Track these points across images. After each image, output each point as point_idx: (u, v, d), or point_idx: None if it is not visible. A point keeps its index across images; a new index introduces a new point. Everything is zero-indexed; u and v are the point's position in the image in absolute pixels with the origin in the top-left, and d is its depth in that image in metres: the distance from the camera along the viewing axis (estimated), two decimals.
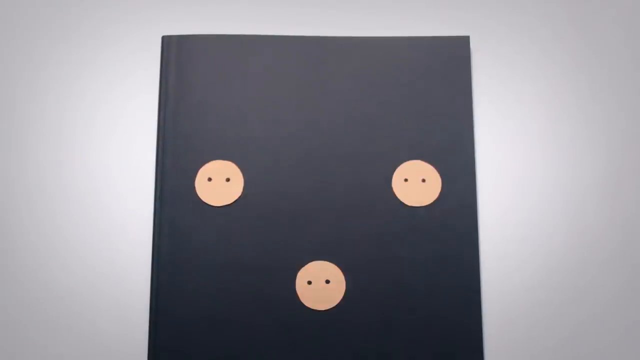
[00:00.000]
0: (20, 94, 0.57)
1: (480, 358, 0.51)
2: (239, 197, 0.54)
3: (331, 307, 0.52)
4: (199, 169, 0.54)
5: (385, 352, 0.52)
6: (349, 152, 0.55)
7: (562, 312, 0.53)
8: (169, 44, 0.56)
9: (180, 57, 0.56)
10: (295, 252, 0.53)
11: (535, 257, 0.54)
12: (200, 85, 0.56)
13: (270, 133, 0.55)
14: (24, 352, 0.53)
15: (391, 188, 0.54)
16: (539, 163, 0.56)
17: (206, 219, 0.54)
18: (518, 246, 0.54)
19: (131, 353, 0.53)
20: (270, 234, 0.53)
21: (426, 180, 0.54)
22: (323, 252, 0.53)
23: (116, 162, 0.56)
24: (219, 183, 0.54)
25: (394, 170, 0.54)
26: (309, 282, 0.53)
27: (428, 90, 0.56)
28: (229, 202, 0.54)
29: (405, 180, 0.54)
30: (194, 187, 0.54)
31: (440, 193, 0.54)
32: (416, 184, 0.54)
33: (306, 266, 0.53)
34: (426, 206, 0.54)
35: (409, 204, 0.54)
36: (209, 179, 0.54)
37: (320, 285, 0.53)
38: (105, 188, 0.55)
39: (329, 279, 0.53)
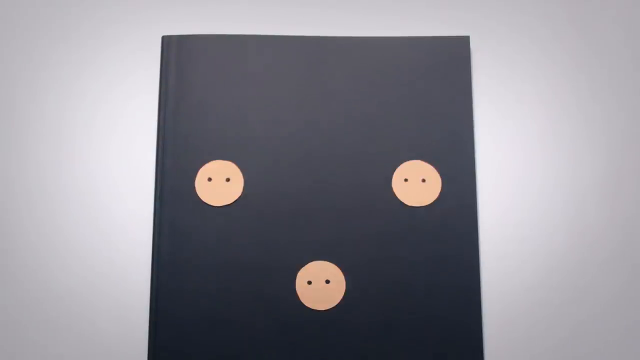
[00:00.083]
0: (20, 94, 0.57)
1: (480, 358, 0.51)
2: (239, 197, 0.54)
3: (331, 307, 0.52)
4: (199, 169, 0.54)
5: (385, 352, 0.52)
6: (349, 152, 0.55)
7: (562, 312, 0.53)
8: (169, 44, 0.56)
9: (180, 57, 0.56)
10: (295, 252, 0.53)
11: (535, 257, 0.54)
12: (200, 85, 0.56)
13: (270, 133, 0.55)
14: (24, 352, 0.53)
15: (391, 188, 0.54)
16: (539, 163, 0.56)
17: (206, 219, 0.54)
18: (518, 246, 0.54)
19: (131, 353, 0.53)
20: (270, 234, 0.53)
21: (426, 180, 0.54)
22: (323, 252, 0.53)
23: (116, 162, 0.56)
24: (219, 183, 0.54)
25: (394, 170, 0.54)
26: (309, 282, 0.53)
27: (428, 90, 0.56)
28: (229, 202, 0.54)
29: (405, 180, 0.54)
30: (194, 187, 0.54)
31: (440, 193, 0.54)
32: (416, 184, 0.54)
33: (306, 266, 0.53)
34: (426, 206, 0.54)
35: (409, 204, 0.54)
36: (209, 179, 0.54)
37: (320, 285, 0.53)
38: (105, 188, 0.55)
39: (329, 279, 0.53)
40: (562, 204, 0.55)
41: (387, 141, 0.55)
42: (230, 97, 0.55)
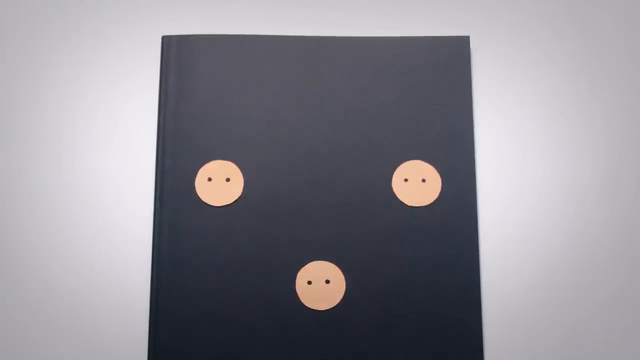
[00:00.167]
0: (20, 94, 0.57)
1: (480, 358, 0.51)
2: (239, 197, 0.54)
3: (331, 307, 0.52)
4: (199, 169, 0.54)
5: (385, 351, 0.52)
6: (349, 152, 0.55)
7: (562, 312, 0.53)
8: (169, 44, 0.56)
9: (180, 57, 0.56)
10: (295, 252, 0.53)
11: (535, 257, 0.54)
12: (200, 85, 0.56)
13: (270, 133, 0.55)
14: (24, 352, 0.53)
15: (391, 188, 0.54)
16: (539, 163, 0.56)
17: (206, 219, 0.54)
18: (518, 246, 0.54)
19: (131, 353, 0.53)
20: (270, 233, 0.53)
21: (426, 180, 0.54)
22: (323, 252, 0.53)
23: (116, 162, 0.56)
24: (219, 183, 0.54)
25: (394, 170, 0.54)
26: (309, 282, 0.53)
27: (428, 90, 0.56)
28: (229, 202, 0.54)
29: (405, 180, 0.54)
30: (194, 187, 0.54)
31: (440, 193, 0.54)
32: (416, 184, 0.54)
33: (306, 266, 0.53)
34: (426, 206, 0.54)
35: (409, 204, 0.54)
36: (209, 179, 0.54)
37: (320, 285, 0.53)
38: (105, 188, 0.55)
39: (329, 279, 0.53)
40: (562, 204, 0.55)
41: (387, 141, 0.55)
42: (230, 97, 0.55)
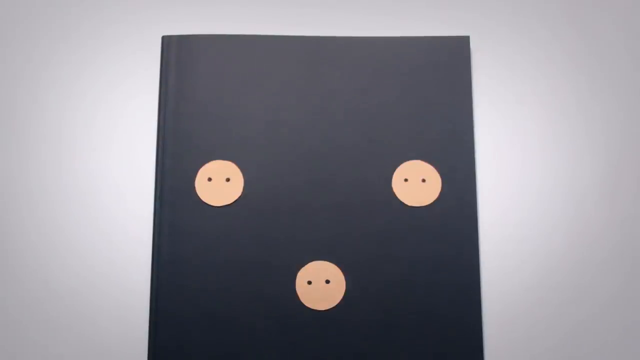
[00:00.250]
0: (20, 94, 0.57)
1: (480, 358, 0.51)
2: (239, 197, 0.54)
3: (331, 307, 0.52)
4: (199, 169, 0.54)
5: (385, 351, 0.52)
6: (349, 152, 0.55)
7: (562, 312, 0.53)
8: (169, 44, 0.56)
9: (180, 57, 0.56)
10: (295, 252, 0.53)
11: (535, 257, 0.54)
12: (200, 85, 0.56)
13: (270, 133, 0.55)
14: (24, 352, 0.53)
15: (391, 188, 0.54)
16: (539, 163, 0.56)
17: (206, 219, 0.54)
18: (518, 246, 0.54)
19: (131, 353, 0.53)
20: (270, 233, 0.53)
21: (426, 180, 0.54)
22: (323, 252, 0.53)
23: (116, 162, 0.56)
24: (219, 183, 0.54)
25: (394, 170, 0.54)
26: (309, 282, 0.53)
27: (428, 90, 0.56)
28: (229, 202, 0.54)
29: (405, 180, 0.54)
30: (194, 187, 0.54)
31: (440, 193, 0.54)
32: (416, 184, 0.54)
33: (306, 266, 0.53)
34: (426, 206, 0.54)
35: (409, 204, 0.54)
36: (209, 179, 0.54)
37: (320, 285, 0.53)
38: (105, 188, 0.55)
39: (329, 279, 0.53)
40: (562, 204, 0.55)
41: (387, 141, 0.55)
42: (230, 97, 0.55)
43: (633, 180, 0.55)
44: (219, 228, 0.53)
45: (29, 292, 0.54)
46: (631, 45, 0.58)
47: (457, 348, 0.52)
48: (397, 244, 0.53)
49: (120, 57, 0.58)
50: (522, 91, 0.57)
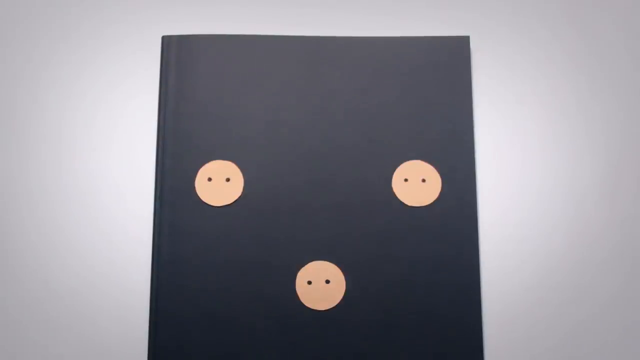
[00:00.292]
0: (20, 94, 0.57)
1: (480, 358, 0.51)
2: (239, 197, 0.54)
3: (331, 307, 0.52)
4: (199, 169, 0.54)
5: (385, 351, 0.52)
6: (349, 152, 0.55)
7: (562, 312, 0.53)
8: (169, 44, 0.56)
9: (180, 57, 0.56)
10: (295, 252, 0.53)
11: (535, 257, 0.54)
12: (200, 85, 0.56)
13: (270, 133, 0.55)
14: (24, 352, 0.53)
15: (391, 188, 0.54)
16: (539, 163, 0.56)
17: (206, 219, 0.54)
18: (518, 246, 0.54)
19: (131, 353, 0.53)
20: (270, 233, 0.53)
21: (426, 180, 0.54)
22: (323, 252, 0.53)
23: (116, 162, 0.56)
24: (219, 183, 0.54)
25: (394, 170, 0.54)
26: (309, 282, 0.53)
27: (428, 90, 0.56)
28: (229, 202, 0.54)
29: (405, 180, 0.54)
30: (194, 187, 0.54)
31: (440, 193, 0.54)
32: (416, 184, 0.54)
33: (306, 266, 0.53)
34: (426, 206, 0.54)
35: (409, 204, 0.54)
36: (209, 179, 0.54)
37: (320, 285, 0.53)
38: (105, 188, 0.55)
39: (329, 279, 0.53)
40: (562, 204, 0.55)
41: (387, 141, 0.55)
42: (230, 97, 0.56)
43: (633, 180, 0.55)
44: (219, 228, 0.53)
45: (29, 292, 0.54)
46: (631, 45, 0.58)
47: (457, 348, 0.52)
48: (397, 244, 0.53)
49: (120, 57, 0.58)
50: (522, 91, 0.57)
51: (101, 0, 0.59)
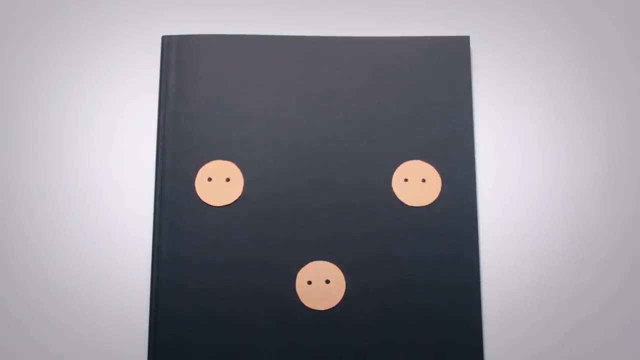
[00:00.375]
0: (20, 93, 0.57)
1: (480, 358, 0.51)
2: (239, 197, 0.54)
3: (331, 307, 0.52)
4: (199, 169, 0.54)
5: (385, 351, 0.52)
6: (349, 152, 0.55)
7: (562, 312, 0.53)
8: (169, 44, 0.56)
9: (180, 57, 0.56)
10: (295, 252, 0.53)
11: (535, 257, 0.54)
12: (200, 85, 0.56)
13: (270, 133, 0.55)
14: (24, 352, 0.53)
15: (391, 188, 0.54)
16: (539, 163, 0.56)
17: (206, 219, 0.54)
18: (518, 246, 0.54)
19: (131, 353, 0.53)
20: (270, 233, 0.53)
21: (426, 180, 0.54)
22: (323, 252, 0.53)
23: (116, 162, 0.56)
24: (219, 183, 0.54)
25: (394, 170, 0.54)
26: (309, 282, 0.53)
27: (428, 90, 0.56)
28: (229, 202, 0.54)
29: (405, 180, 0.54)
30: (194, 187, 0.54)
31: (440, 193, 0.54)
32: (416, 184, 0.54)
33: (306, 266, 0.53)
34: (426, 206, 0.54)
35: (409, 204, 0.54)
36: (209, 179, 0.54)
37: (320, 285, 0.53)
38: (105, 188, 0.55)
39: (329, 279, 0.53)
40: (562, 204, 0.55)
41: (387, 141, 0.55)
42: (230, 97, 0.56)
43: (633, 180, 0.55)
44: (219, 228, 0.53)
45: (29, 292, 0.54)
46: (631, 45, 0.58)
47: (457, 348, 0.52)
48: (397, 244, 0.53)
49: (120, 57, 0.58)
50: (522, 91, 0.57)
51: (101, 0, 0.59)
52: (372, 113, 0.55)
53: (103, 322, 0.53)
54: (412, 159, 0.55)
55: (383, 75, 0.56)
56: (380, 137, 0.55)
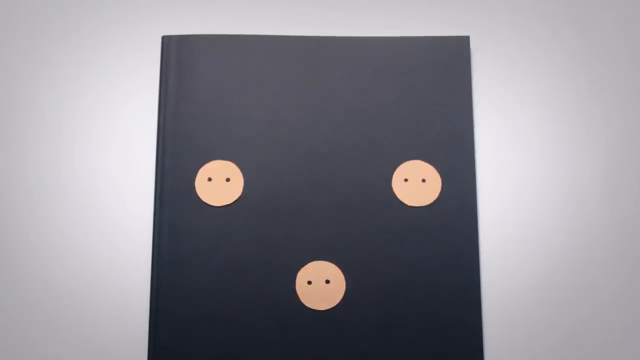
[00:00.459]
0: (20, 94, 0.57)
1: (480, 358, 0.51)
2: (239, 197, 0.54)
3: (331, 307, 0.52)
4: (199, 169, 0.54)
5: (385, 352, 0.52)
6: (349, 152, 0.55)
7: (562, 312, 0.53)
8: (169, 44, 0.56)
9: (180, 57, 0.56)
10: (295, 252, 0.53)
11: (535, 257, 0.54)
12: (200, 85, 0.56)
13: (270, 133, 0.55)
14: (24, 352, 0.53)
15: (391, 188, 0.54)
16: (539, 163, 0.56)
17: (206, 219, 0.54)
18: (518, 246, 0.54)
19: (131, 353, 0.53)
20: (270, 233, 0.53)
21: (426, 180, 0.54)
22: (323, 252, 0.53)
23: (116, 162, 0.56)
24: (219, 183, 0.54)
25: (394, 170, 0.54)
26: (309, 282, 0.53)
27: (428, 90, 0.56)
28: (229, 202, 0.54)
29: (405, 180, 0.54)
30: (194, 187, 0.54)
31: (440, 193, 0.54)
32: (416, 184, 0.54)
33: (306, 266, 0.53)
34: (426, 206, 0.54)
35: (409, 204, 0.54)
36: (209, 179, 0.54)
37: (320, 285, 0.53)
38: (105, 188, 0.55)
39: (329, 279, 0.53)
40: (562, 204, 0.55)
41: (387, 141, 0.55)
42: (230, 97, 0.55)
43: (633, 180, 0.55)
44: (219, 228, 0.53)
45: (28, 292, 0.54)
46: (631, 45, 0.58)
47: (457, 348, 0.52)
48: (397, 244, 0.53)
49: (120, 57, 0.58)
50: (522, 91, 0.57)
51: (101, 0, 0.59)
52: (372, 113, 0.55)
53: (103, 322, 0.53)
54: (412, 159, 0.55)
55: (383, 75, 0.56)
56: (380, 137, 0.55)
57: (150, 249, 0.54)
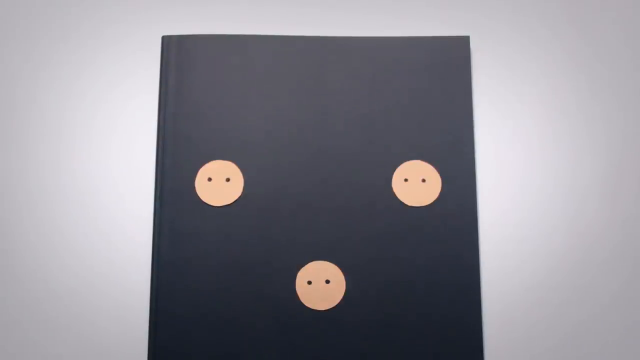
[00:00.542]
0: (20, 93, 0.57)
1: (480, 358, 0.51)
2: (239, 197, 0.54)
3: (331, 307, 0.52)
4: (199, 169, 0.54)
5: (385, 352, 0.52)
6: (349, 152, 0.55)
7: (562, 312, 0.53)
8: (169, 44, 0.56)
9: (180, 57, 0.56)
10: (296, 252, 0.53)
11: (535, 257, 0.54)
12: (200, 85, 0.56)
13: (270, 133, 0.55)
14: (24, 352, 0.53)
15: (391, 188, 0.54)
16: (539, 163, 0.56)
17: (206, 219, 0.53)
18: (518, 246, 0.54)
19: (131, 353, 0.53)
20: (270, 234, 0.53)
21: (426, 180, 0.54)
22: (323, 252, 0.53)
23: (116, 162, 0.56)
24: (219, 183, 0.54)
25: (394, 170, 0.54)
26: (309, 282, 0.53)
27: (428, 90, 0.56)
28: (229, 202, 0.54)
29: (405, 180, 0.54)
30: (194, 187, 0.54)
31: (440, 193, 0.54)
32: (416, 184, 0.54)
33: (306, 266, 0.53)
34: (426, 206, 0.54)
35: (409, 204, 0.54)
36: (209, 179, 0.54)
37: (320, 285, 0.53)
38: (105, 188, 0.55)
39: (329, 279, 0.53)
40: (562, 204, 0.55)
41: (387, 141, 0.55)
42: (230, 97, 0.55)
43: (633, 180, 0.55)
44: (219, 228, 0.53)
45: (28, 292, 0.54)
46: (631, 45, 0.58)
47: (457, 348, 0.52)
48: (397, 244, 0.53)
49: (120, 57, 0.58)
50: (522, 91, 0.57)
51: (101, 0, 0.59)
52: (372, 113, 0.55)
53: (103, 322, 0.53)
54: (412, 159, 0.55)
55: (383, 75, 0.56)
56: (380, 137, 0.55)
57: (150, 249, 0.54)
